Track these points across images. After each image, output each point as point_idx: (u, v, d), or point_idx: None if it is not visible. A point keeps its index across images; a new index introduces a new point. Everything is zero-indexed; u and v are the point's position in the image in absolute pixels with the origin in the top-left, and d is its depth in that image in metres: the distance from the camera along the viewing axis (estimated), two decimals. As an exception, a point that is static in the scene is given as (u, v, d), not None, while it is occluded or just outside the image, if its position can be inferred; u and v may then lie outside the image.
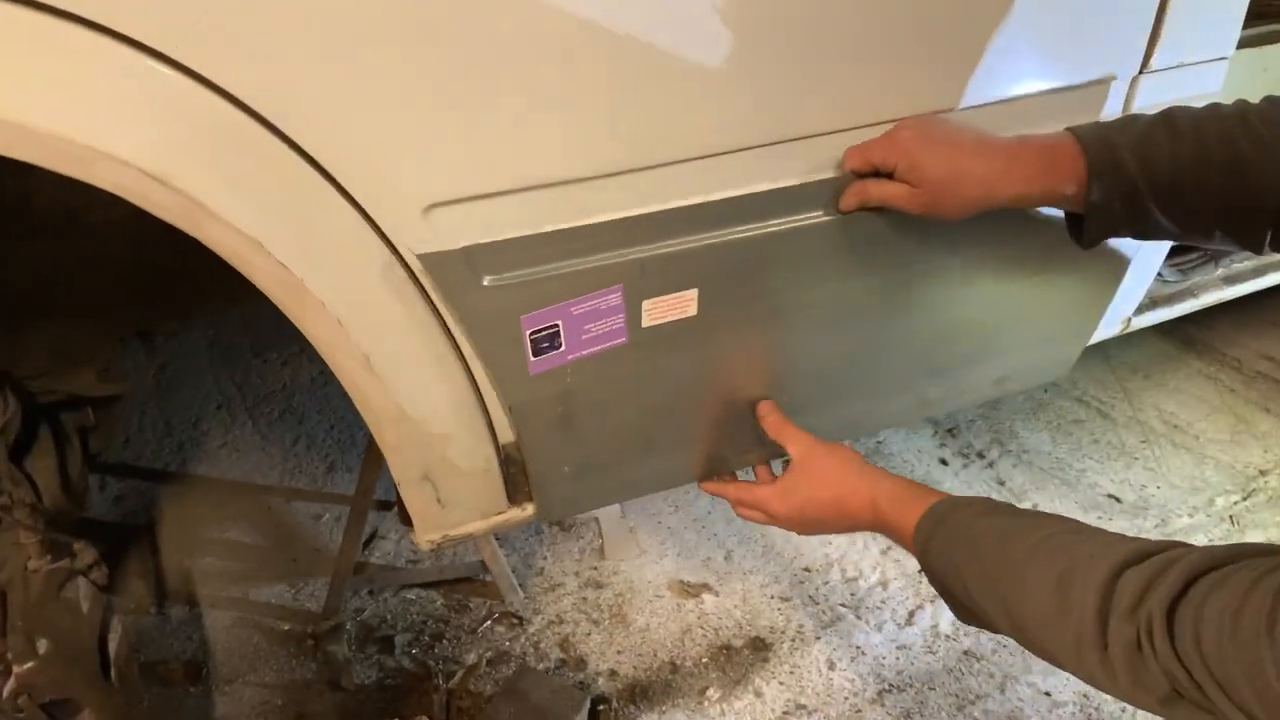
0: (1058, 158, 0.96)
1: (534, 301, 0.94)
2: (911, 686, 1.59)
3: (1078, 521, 0.87)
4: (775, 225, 1.02)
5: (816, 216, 1.03)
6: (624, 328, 1.01)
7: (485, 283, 0.91)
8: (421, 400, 1.00)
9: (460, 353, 0.97)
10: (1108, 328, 1.57)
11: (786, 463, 1.15)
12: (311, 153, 0.78)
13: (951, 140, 0.99)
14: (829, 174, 1.02)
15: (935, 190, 0.98)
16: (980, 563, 0.88)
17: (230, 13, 0.70)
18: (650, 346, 1.04)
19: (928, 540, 0.95)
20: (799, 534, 1.30)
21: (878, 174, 1.01)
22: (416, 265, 0.88)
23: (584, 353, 1.01)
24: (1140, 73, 1.18)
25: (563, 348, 0.99)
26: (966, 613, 0.94)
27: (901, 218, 1.03)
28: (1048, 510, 0.94)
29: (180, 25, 0.70)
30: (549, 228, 0.91)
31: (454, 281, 0.90)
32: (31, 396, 1.20)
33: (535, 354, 0.98)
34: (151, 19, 0.69)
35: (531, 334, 0.96)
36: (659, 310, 1.02)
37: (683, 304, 1.02)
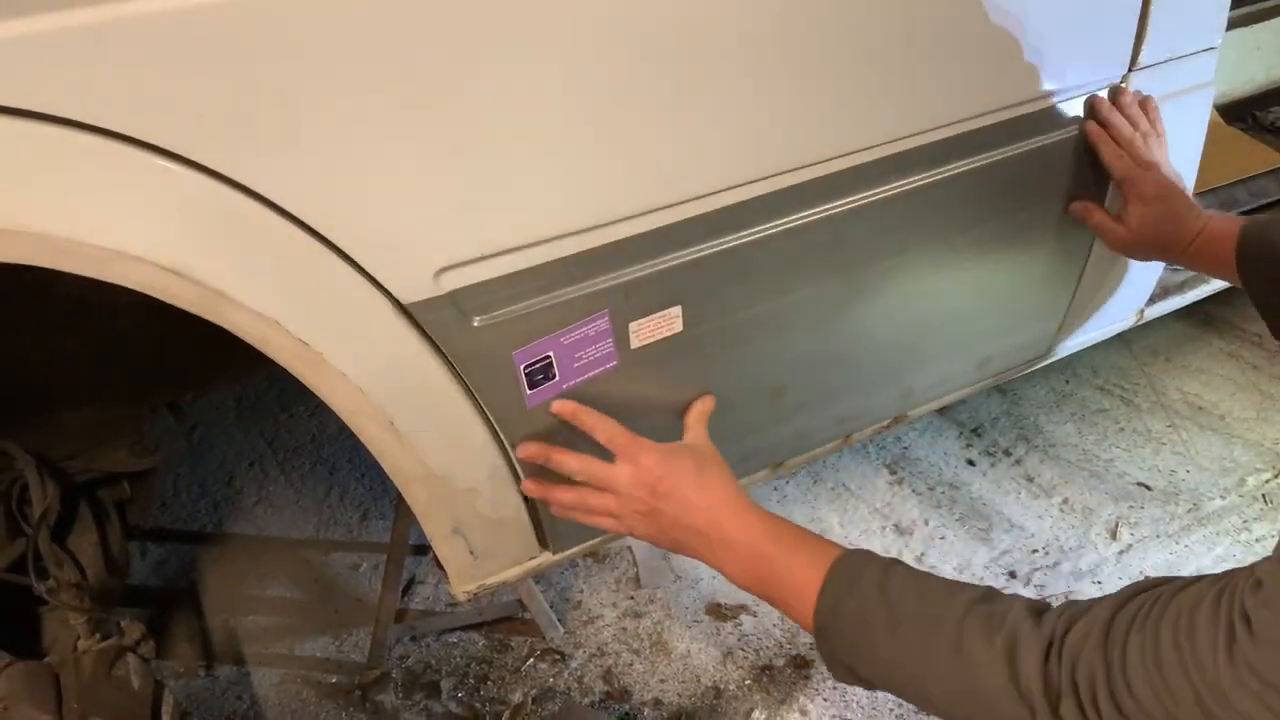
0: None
1: (524, 336, 0.96)
2: (956, 692, 1.59)
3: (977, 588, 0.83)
4: (749, 235, 1.03)
5: (787, 222, 1.05)
6: (614, 351, 1.03)
7: (475, 324, 0.92)
8: (446, 456, 1.02)
9: (479, 405, 0.99)
10: (1122, 320, 1.57)
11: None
12: (321, 230, 0.80)
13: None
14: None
15: (1154, 208, 1.17)
16: (901, 639, 0.82)
17: (236, 109, 0.73)
18: (641, 366, 1.06)
19: (837, 601, 0.86)
20: (638, 535, 1.03)
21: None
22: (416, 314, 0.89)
23: (578, 380, 1.03)
24: (1130, 70, 1.19)
25: (557, 378, 1.01)
26: (847, 671, 0.88)
27: (871, 218, 1.07)
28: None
29: (187, 124, 0.72)
30: (531, 263, 0.92)
31: (446, 326, 0.91)
32: (69, 477, 1.23)
33: (531, 387, 1.00)
34: (158, 120, 0.71)
35: (525, 368, 0.98)
36: (646, 330, 1.04)
37: (668, 322, 1.04)
